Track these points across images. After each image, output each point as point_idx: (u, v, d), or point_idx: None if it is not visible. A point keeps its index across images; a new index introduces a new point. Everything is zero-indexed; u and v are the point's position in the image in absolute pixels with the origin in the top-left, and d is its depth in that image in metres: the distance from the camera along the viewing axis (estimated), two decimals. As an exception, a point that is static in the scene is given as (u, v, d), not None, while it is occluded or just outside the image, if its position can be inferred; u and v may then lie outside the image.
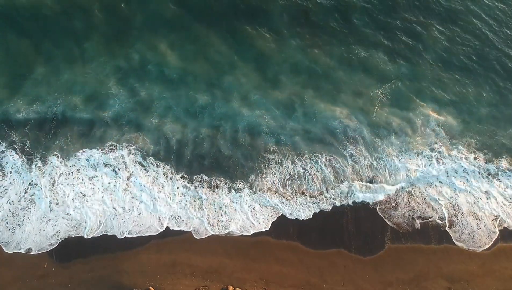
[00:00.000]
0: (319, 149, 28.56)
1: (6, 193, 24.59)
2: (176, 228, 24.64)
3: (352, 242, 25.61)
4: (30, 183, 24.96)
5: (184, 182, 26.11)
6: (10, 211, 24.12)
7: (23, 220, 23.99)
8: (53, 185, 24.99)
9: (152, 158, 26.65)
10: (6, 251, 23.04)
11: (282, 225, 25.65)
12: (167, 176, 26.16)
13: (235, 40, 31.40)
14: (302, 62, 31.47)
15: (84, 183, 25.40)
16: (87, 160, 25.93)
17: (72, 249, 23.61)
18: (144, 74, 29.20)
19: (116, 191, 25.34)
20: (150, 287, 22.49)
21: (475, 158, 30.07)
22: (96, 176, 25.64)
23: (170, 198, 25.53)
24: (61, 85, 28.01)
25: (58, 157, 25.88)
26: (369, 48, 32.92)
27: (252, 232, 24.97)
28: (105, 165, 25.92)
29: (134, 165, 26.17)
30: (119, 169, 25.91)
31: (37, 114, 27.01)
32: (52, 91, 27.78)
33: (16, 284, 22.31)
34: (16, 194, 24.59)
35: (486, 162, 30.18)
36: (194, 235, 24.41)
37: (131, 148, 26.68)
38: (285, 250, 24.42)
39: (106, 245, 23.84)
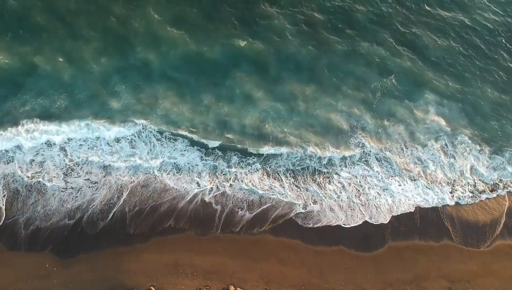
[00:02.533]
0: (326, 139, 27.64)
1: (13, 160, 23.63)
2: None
3: (353, 240, 24.86)
4: (36, 154, 23.92)
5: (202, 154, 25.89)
6: (20, 176, 23.30)
7: (35, 190, 23.21)
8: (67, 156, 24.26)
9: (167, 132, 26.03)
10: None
11: (283, 222, 24.86)
12: (186, 150, 25.77)
13: (235, 39, 29.68)
14: (304, 59, 29.91)
15: (103, 152, 24.66)
16: (100, 136, 25.04)
17: (73, 248, 22.77)
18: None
19: (138, 160, 24.85)
20: (152, 287, 21.85)
21: (480, 151, 29.16)
22: (113, 147, 24.93)
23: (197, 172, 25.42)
24: (64, 82, 26.25)
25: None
26: (371, 43, 31.41)
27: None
28: (118, 139, 25.26)
29: (151, 138, 25.58)
30: (135, 142, 25.26)
31: (41, 107, 25.26)
32: (56, 86, 26.05)
33: (18, 284, 21.60)
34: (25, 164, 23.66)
35: (491, 154, 29.28)
36: (195, 234, 23.61)
37: (145, 121, 25.75)
38: (286, 250, 23.71)
39: (108, 243, 23.00)
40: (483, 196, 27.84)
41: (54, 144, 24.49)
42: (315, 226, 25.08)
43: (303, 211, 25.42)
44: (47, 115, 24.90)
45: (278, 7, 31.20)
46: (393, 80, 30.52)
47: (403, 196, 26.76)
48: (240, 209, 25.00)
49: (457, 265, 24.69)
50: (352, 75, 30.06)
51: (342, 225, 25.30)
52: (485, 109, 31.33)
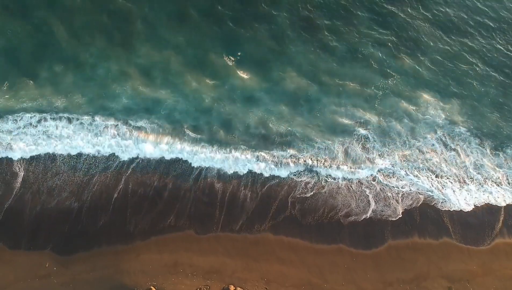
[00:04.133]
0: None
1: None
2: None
3: (353, 238, 24.30)
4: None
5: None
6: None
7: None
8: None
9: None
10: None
11: (283, 220, 24.26)
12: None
13: (239, 40, 28.69)
14: (306, 60, 28.90)
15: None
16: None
17: (74, 247, 22.21)
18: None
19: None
20: (152, 287, 21.34)
21: (482, 147, 28.61)
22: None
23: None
24: (65, 87, 25.47)
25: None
26: (373, 45, 30.42)
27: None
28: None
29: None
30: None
31: (40, 105, 24.69)
32: (56, 92, 25.25)
33: (18, 283, 21.11)
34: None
35: (492, 150, 28.72)
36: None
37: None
38: (285, 249, 23.14)
39: (108, 242, 22.41)
40: (487, 193, 27.21)
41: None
42: (316, 217, 24.48)
43: (308, 195, 24.98)
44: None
45: (277, 9, 30.03)
46: (394, 80, 29.73)
47: (408, 187, 26.39)
48: (243, 189, 24.48)
49: (457, 264, 24.17)
50: (354, 76, 29.23)
51: (343, 221, 24.67)
52: (486, 106, 30.62)
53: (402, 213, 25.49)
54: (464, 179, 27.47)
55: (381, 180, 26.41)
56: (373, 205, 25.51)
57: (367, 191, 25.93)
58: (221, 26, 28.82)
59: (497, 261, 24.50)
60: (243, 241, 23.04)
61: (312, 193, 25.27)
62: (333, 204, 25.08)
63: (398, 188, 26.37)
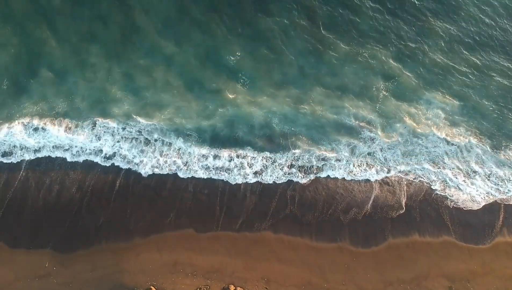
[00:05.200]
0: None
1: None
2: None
3: (353, 236, 24.08)
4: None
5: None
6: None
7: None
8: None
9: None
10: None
11: (282, 218, 24.03)
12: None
13: (240, 41, 28.10)
14: (308, 62, 28.43)
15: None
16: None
17: (74, 246, 22.00)
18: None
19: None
20: (152, 286, 21.15)
21: (483, 146, 28.63)
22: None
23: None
24: (66, 89, 25.11)
25: None
26: (374, 46, 29.89)
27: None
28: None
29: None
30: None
31: (40, 109, 24.44)
32: (57, 94, 24.93)
33: (17, 283, 20.96)
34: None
35: (493, 150, 28.49)
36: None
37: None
38: (286, 248, 22.91)
39: (108, 242, 22.19)
40: (491, 192, 27.01)
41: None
42: (316, 213, 24.32)
43: (308, 181, 24.97)
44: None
45: (276, 13, 29.45)
46: (395, 81, 29.35)
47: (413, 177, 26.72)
48: (243, 187, 24.42)
49: (458, 264, 23.95)
50: (356, 79, 28.85)
51: (343, 218, 24.41)
52: (486, 107, 30.23)
53: (405, 204, 25.26)
54: (467, 176, 27.33)
55: (386, 176, 26.39)
56: (376, 190, 25.42)
57: (371, 179, 26.12)
58: (221, 30, 28.29)
59: (497, 260, 24.27)
60: (243, 240, 22.81)
61: (313, 179, 25.18)
62: (334, 196, 24.87)
63: (402, 180, 26.55)
